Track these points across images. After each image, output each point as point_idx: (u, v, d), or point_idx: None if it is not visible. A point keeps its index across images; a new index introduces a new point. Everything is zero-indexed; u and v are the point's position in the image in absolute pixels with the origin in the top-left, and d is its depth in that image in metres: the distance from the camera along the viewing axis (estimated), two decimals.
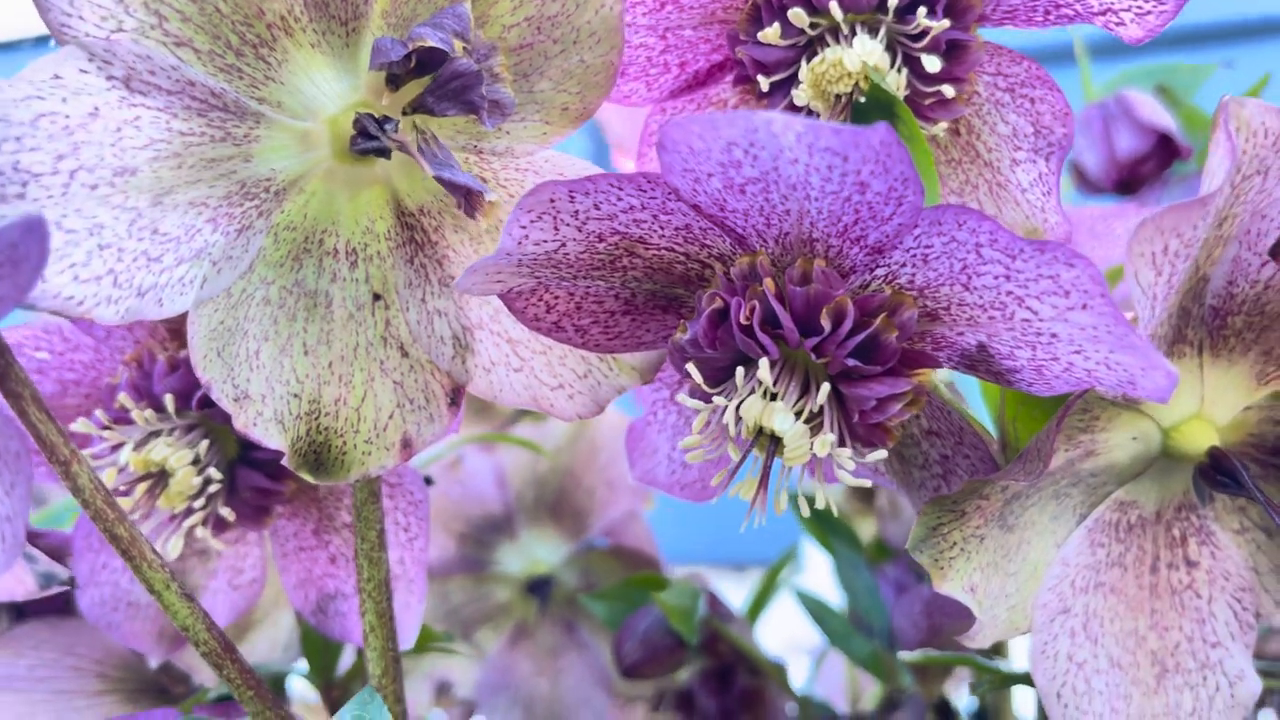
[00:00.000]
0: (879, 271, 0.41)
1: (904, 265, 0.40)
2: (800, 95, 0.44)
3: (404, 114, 0.43)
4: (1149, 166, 0.75)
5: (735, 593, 0.84)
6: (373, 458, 0.45)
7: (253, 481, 0.51)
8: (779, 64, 0.45)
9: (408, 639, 0.52)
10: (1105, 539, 0.47)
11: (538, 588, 0.78)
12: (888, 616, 0.70)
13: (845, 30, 0.43)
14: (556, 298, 0.45)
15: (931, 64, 0.44)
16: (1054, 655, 0.47)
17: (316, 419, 0.44)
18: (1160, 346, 0.43)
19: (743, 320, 0.40)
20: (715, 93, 0.50)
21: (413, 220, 0.46)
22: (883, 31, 0.44)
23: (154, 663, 0.56)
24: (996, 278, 0.38)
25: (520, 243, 0.41)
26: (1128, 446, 0.47)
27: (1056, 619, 0.47)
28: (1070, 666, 0.47)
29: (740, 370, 0.40)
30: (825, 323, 0.40)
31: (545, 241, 0.41)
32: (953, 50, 0.44)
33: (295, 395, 0.44)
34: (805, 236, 0.40)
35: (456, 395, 0.47)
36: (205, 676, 0.59)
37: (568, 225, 0.41)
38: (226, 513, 0.50)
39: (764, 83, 0.45)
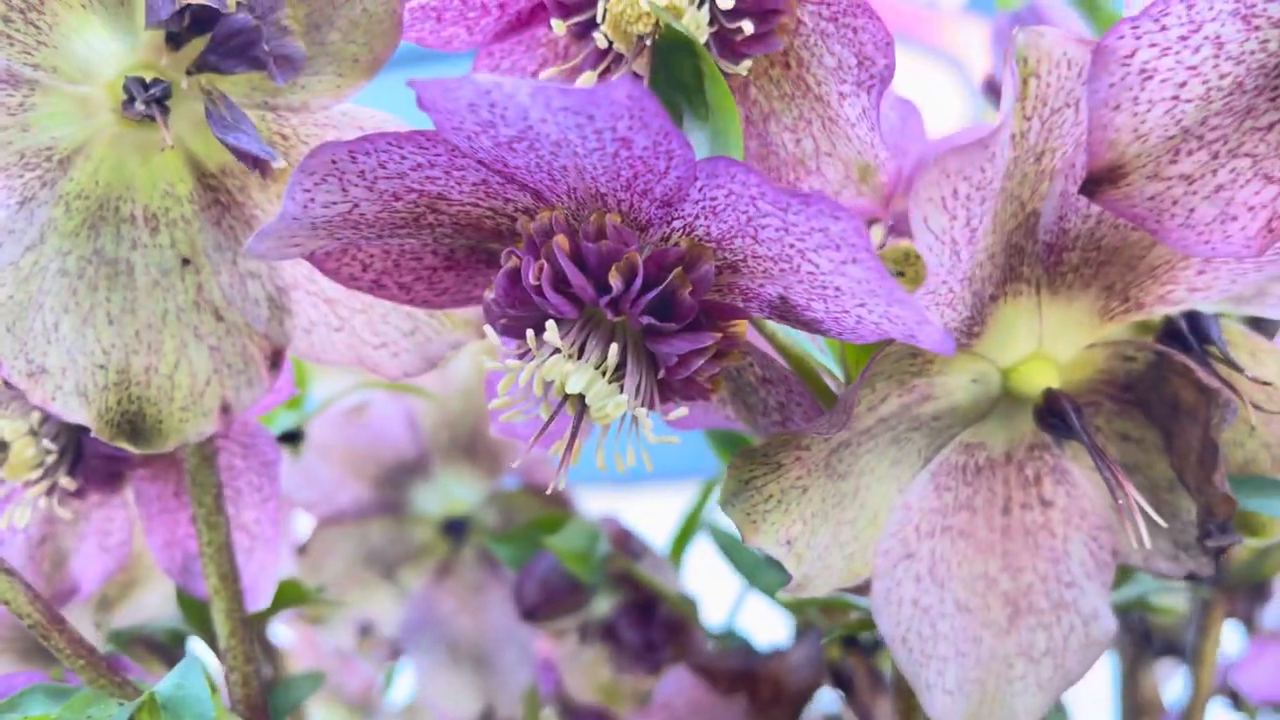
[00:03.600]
0: (676, 224, 0.39)
1: (697, 217, 0.38)
2: (601, 37, 0.42)
3: (189, 74, 0.42)
4: None
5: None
6: (190, 424, 0.45)
7: (99, 449, 0.51)
8: (579, 4, 0.42)
9: (265, 598, 0.52)
10: (952, 482, 0.46)
11: (453, 528, 0.78)
12: None
13: None
14: (372, 256, 0.44)
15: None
16: (898, 601, 0.46)
17: (127, 389, 0.44)
18: (985, 288, 0.41)
19: (532, 280, 0.39)
20: (543, 33, 0.48)
21: (215, 181, 0.44)
22: None
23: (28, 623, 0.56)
24: (777, 230, 0.36)
25: (306, 206, 0.39)
26: (968, 389, 0.45)
27: (900, 564, 0.46)
28: (915, 612, 0.46)
29: (530, 332, 0.39)
30: (615, 280, 0.38)
31: (335, 203, 0.40)
32: None
33: (101, 366, 0.43)
34: (593, 191, 0.39)
35: (276, 358, 0.46)
36: (89, 634, 0.60)
37: (356, 186, 0.39)
38: (66, 482, 0.49)
39: (560, 25, 0.43)
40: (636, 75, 0.44)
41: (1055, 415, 0.43)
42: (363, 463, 0.77)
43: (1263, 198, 0.37)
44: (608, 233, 0.39)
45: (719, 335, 0.40)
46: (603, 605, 0.79)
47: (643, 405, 0.40)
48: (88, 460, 0.51)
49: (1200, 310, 0.47)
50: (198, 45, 0.41)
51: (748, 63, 0.43)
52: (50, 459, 0.49)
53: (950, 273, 0.38)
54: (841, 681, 0.64)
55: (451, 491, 0.80)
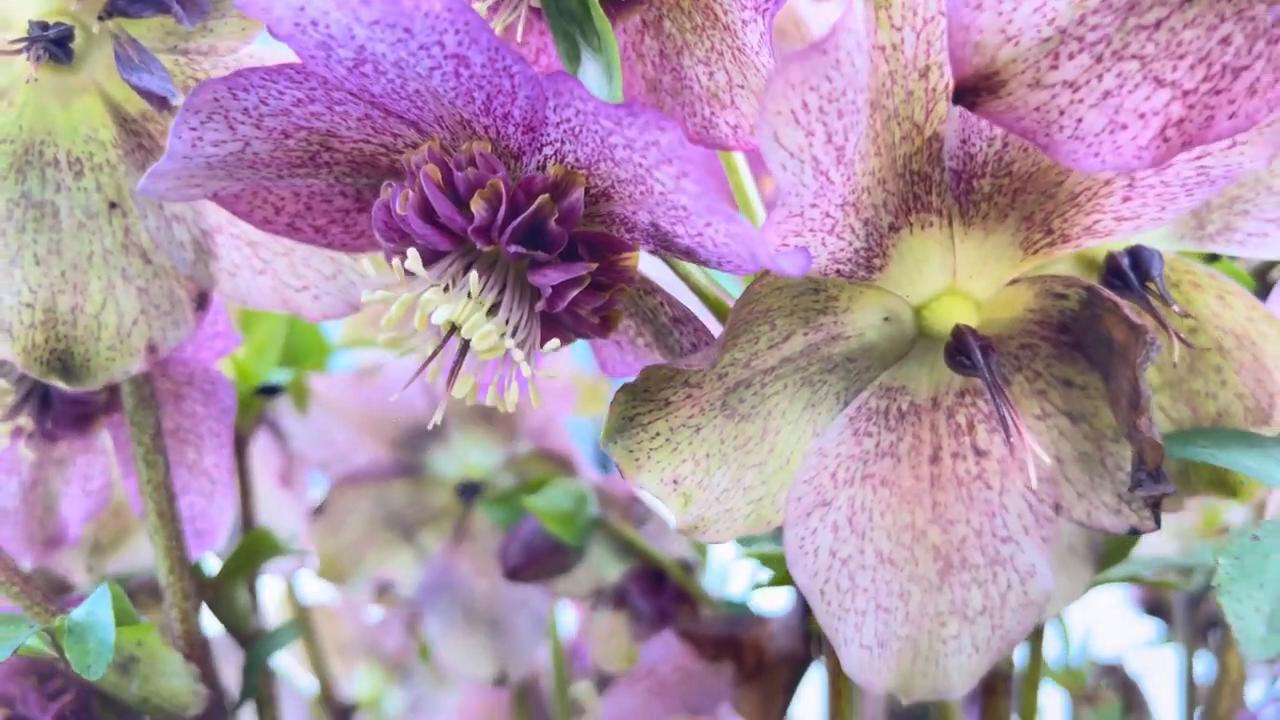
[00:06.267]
0: (547, 150, 0.38)
1: (563, 142, 0.38)
2: None
3: (101, 19, 0.43)
4: None
5: None
6: (118, 363, 0.46)
7: (64, 394, 0.53)
8: None
9: (219, 540, 0.54)
10: (873, 428, 0.44)
11: (467, 492, 0.79)
12: None
13: None
14: (282, 199, 0.44)
15: None
16: (813, 551, 0.44)
17: (54, 327, 0.45)
18: (880, 216, 0.39)
19: (399, 209, 0.39)
20: None
21: (137, 126, 0.46)
22: None
23: (27, 565, 0.59)
24: (624, 148, 0.35)
25: (194, 145, 0.40)
26: (880, 328, 0.43)
27: (815, 512, 0.44)
28: (834, 562, 0.44)
29: (396, 261, 0.39)
30: (479, 206, 0.38)
31: (225, 142, 0.40)
32: None
33: (28, 305, 0.45)
34: (459, 118, 0.38)
35: (203, 300, 0.47)
36: (82, 578, 0.63)
37: (243, 124, 0.40)
38: (25, 422, 0.52)
39: None
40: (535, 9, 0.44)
41: (962, 353, 0.40)
42: (379, 424, 0.79)
43: (1154, 104, 0.34)
44: (476, 161, 0.38)
45: (595, 265, 0.39)
46: (612, 572, 0.78)
47: (523, 338, 0.40)
48: (55, 405, 0.53)
49: (1144, 246, 0.44)
50: None
51: None
52: (9, 399, 0.51)
53: (821, 195, 0.36)
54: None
55: (468, 455, 0.80)
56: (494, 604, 0.80)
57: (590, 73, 0.41)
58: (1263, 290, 0.53)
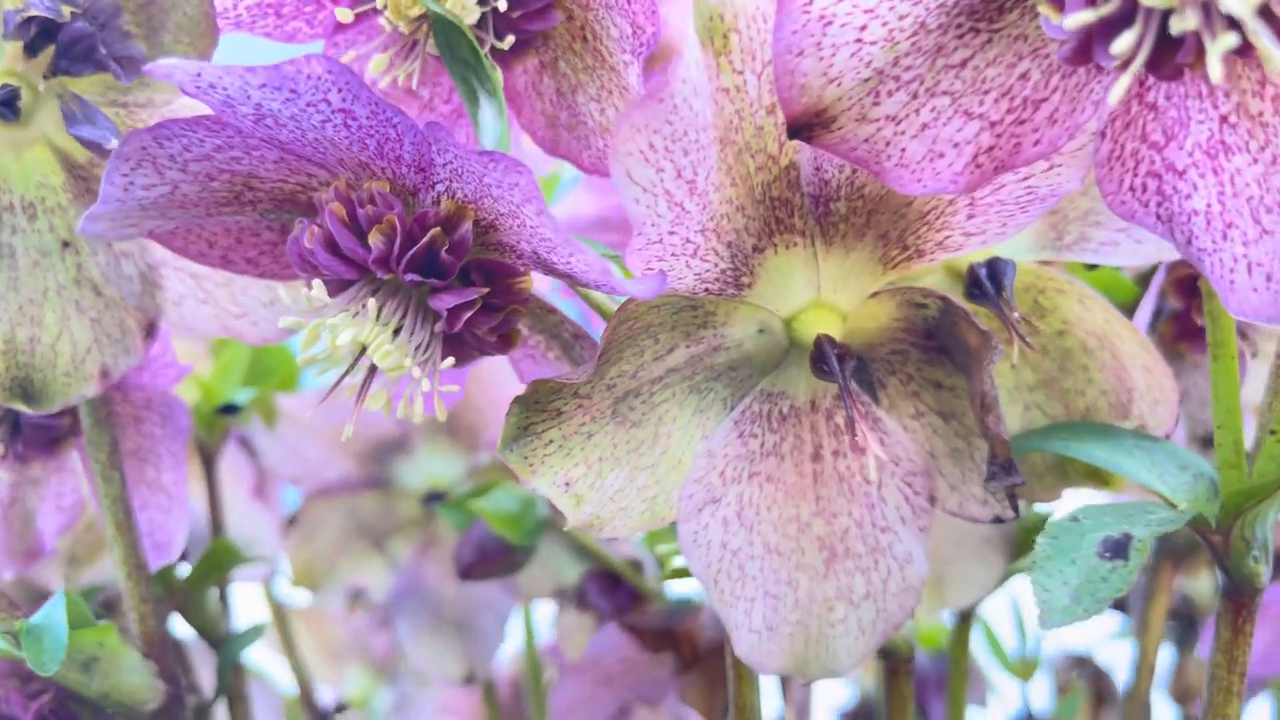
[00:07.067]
0: (439, 187, 0.43)
1: (450, 180, 0.42)
2: (385, 22, 0.46)
3: (46, 78, 0.48)
4: None
5: None
6: (74, 387, 0.51)
7: (32, 419, 0.58)
8: None
9: (176, 550, 0.58)
10: (757, 429, 0.48)
11: (431, 501, 0.83)
12: None
13: None
14: (215, 234, 0.49)
15: None
16: (706, 544, 0.48)
17: (14, 356, 0.50)
18: (743, 240, 0.43)
19: (307, 244, 0.43)
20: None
21: (84, 172, 0.50)
22: None
23: (8, 577, 0.64)
24: (497, 187, 0.39)
25: (126, 189, 0.45)
26: (756, 339, 0.47)
27: (705, 509, 0.48)
28: (725, 554, 0.48)
29: (304, 292, 0.43)
30: (376, 239, 0.42)
31: (154, 186, 0.45)
32: None
33: None
34: (358, 161, 0.43)
35: (151, 328, 0.52)
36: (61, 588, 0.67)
37: (170, 169, 0.44)
38: None
39: (345, 14, 0.47)
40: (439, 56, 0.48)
41: (823, 361, 0.44)
42: (348, 440, 0.83)
43: (965, 134, 0.38)
44: (375, 199, 0.43)
45: (487, 289, 0.43)
46: (571, 573, 0.82)
47: (425, 357, 0.44)
48: (24, 429, 0.58)
49: (999, 257, 0.48)
50: (50, 53, 0.47)
51: (510, 38, 0.46)
52: None
53: (679, 223, 0.40)
54: None
55: (432, 467, 0.85)
56: (460, 607, 0.84)
57: (486, 112, 0.45)
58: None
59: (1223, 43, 0.31)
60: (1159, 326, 0.61)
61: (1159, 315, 0.60)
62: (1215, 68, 0.31)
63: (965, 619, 0.71)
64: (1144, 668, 0.69)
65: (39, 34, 0.46)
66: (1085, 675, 1.08)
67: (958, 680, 0.71)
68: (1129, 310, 0.54)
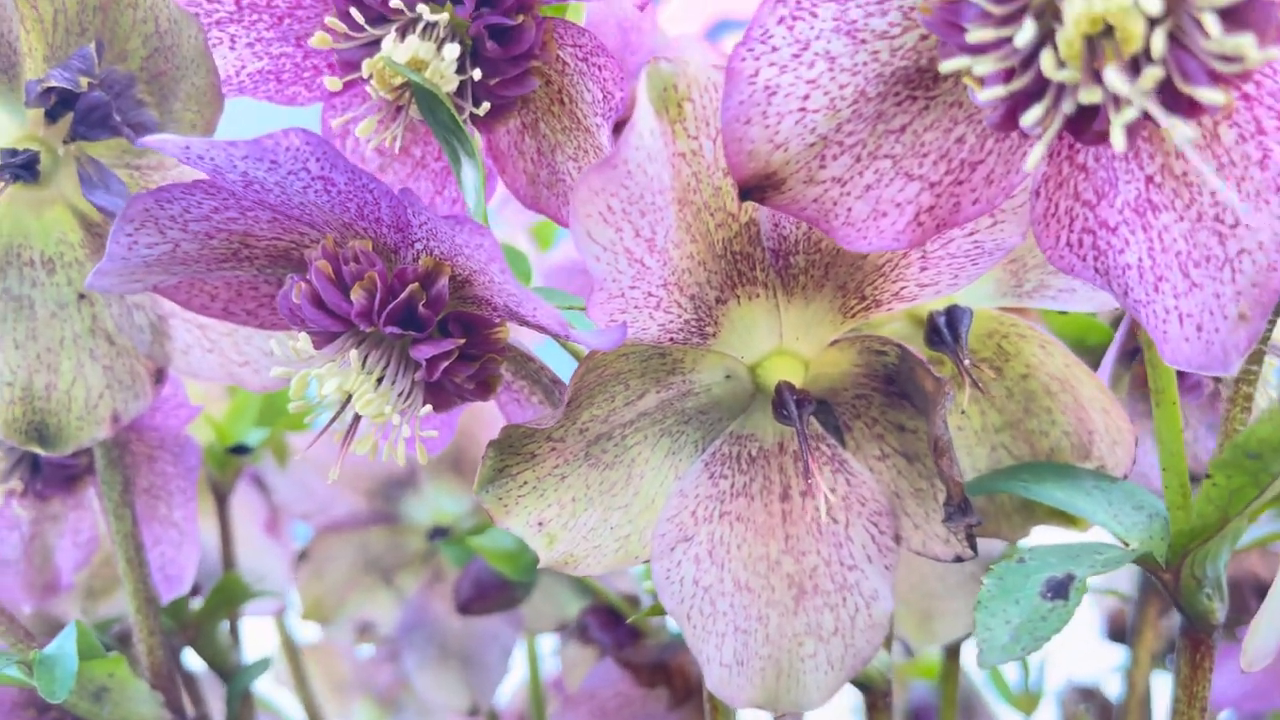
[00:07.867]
0: (418, 245, 0.45)
1: (427, 239, 0.45)
2: (371, 90, 0.49)
3: (65, 143, 0.51)
4: None
5: None
6: (86, 431, 0.54)
7: (51, 459, 0.61)
8: (350, 62, 0.50)
9: (187, 583, 0.61)
10: (727, 471, 0.50)
11: (437, 536, 0.86)
12: None
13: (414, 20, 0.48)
14: (216, 288, 0.52)
15: (491, 47, 0.48)
16: (679, 580, 0.50)
17: (31, 402, 0.53)
18: (705, 292, 0.46)
19: (294, 299, 0.46)
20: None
21: (100, 230, 0.54)
22: (444, 20, 0.48)
23: (27, 610, 0.67)
24: (468, 248, 0.42)
25: (130, 248, 0.48)
26: (724, 384, 0.49)
27: (678, 547, 0.50)
28: (697, 590, 0.50)
29: (291, 343, 0.46)
30: (357, 295, 0.45)
31: (157, 244, 0.48)
32: (505, 33, 0.48)
33: (9, 384, 0.53)
34: (341, 222, 0.46)
35: (160, 375, 0.55)
36: None
37: (172, 229, 0.48)
38: (16, 484, 0.60)
39: (334, 83, 0.50)
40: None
41: (782, 406, 0.47)
42: (357, 477, 0.86)
43: (906, 194, 0.41)
44: (358, 256, 0.46)
45: (464, 340, 0.46)
46: (572, 608, 0.85)
47: (406, 405, 0.47)
48: (43, 468, 0.61)
49: (957, 305, 0.50)
50: (69, 120, 0.51)
51: (487, 105, 0.49)
52: (2, 465, 0.59)
53: (640, 279, 0.43)
54: None
55: (438, 503, 0.87)
56: (465, 640, 0.86)
57: (467, 172, 0.48)
58: None
59: (1125, 115, 0.33)
60: (1134, 367, 0.62)
61: (1134, 355, 0.62)
62: (1119, 139, 0.34)
63: (954, 654, 0.73)
64: (1133, 702, 0.71)
65: (59, 103, 0.50)
66: (1093, 708, 1.08)
67: (948, 715, 0.73)
68: (1104, 351, 0.56)
